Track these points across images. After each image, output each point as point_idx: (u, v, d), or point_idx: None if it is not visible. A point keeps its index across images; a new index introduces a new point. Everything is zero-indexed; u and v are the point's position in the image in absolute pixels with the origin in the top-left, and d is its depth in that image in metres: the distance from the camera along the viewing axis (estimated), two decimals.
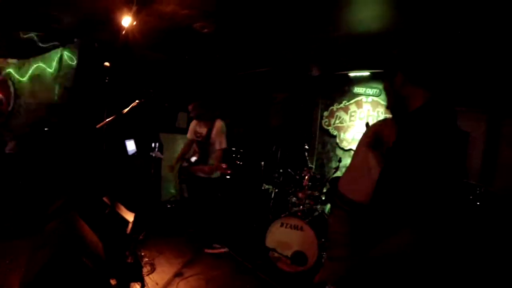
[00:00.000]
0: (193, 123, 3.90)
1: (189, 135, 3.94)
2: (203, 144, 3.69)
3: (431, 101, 1.21)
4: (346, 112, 5.06)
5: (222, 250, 3.72)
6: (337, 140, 5.22)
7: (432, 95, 1.21)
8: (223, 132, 3.65)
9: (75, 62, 4.68)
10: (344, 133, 5.14)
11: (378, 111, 4.86)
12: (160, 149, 4.96)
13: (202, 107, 3.72)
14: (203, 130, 3.70)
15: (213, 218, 3.88)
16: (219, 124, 3.66)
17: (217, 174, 3.69)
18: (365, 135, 1.41)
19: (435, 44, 1.31)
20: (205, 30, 3.81)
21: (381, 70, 4.38)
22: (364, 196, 1.29)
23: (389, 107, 1.37)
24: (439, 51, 1.22)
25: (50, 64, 4.48)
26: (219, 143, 3.62)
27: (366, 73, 4.76)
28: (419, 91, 1.22)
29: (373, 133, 1.38)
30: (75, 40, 4.59)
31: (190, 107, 3.78)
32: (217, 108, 3.83)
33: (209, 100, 3.79)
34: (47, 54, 4.45)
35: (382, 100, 4.83)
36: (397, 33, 3.25)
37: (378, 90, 4.82)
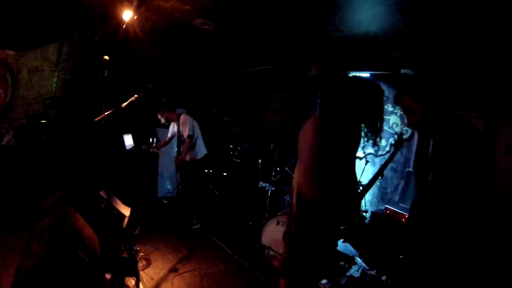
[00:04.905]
0: (170, 126, 4.60)
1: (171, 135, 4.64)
2: (180, 137, 4.42)
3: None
4: None
5: (198, 225, 4.37)
6: None
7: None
8: (185, 122, 4.26)
9: (74, 55, 4.66)
10: None
11: None
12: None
13: (164, 112, 4.36)
14: (176, 128, 4.42)
15: (193, 196, 4.48)
16: (181, 118, 4.32)
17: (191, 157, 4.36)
18: None
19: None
20: (206, 27, 3.81)
21: (381, 72, 4.38)
22: None
23: (419, 121, 1.67)
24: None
25: (49, 56, 4.46)
26: (184, 132, 4.27)
27: (365, 75, 4.75)
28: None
29: None
30: (75, 33, 4.57)
31: (158, 115, 4.42)
32: (175, 107, 4.45)
33: (166, 103, 4.38)
34: (46, 47, 4.43)
35: None
36: (398, 35, 3.25)
37: None
